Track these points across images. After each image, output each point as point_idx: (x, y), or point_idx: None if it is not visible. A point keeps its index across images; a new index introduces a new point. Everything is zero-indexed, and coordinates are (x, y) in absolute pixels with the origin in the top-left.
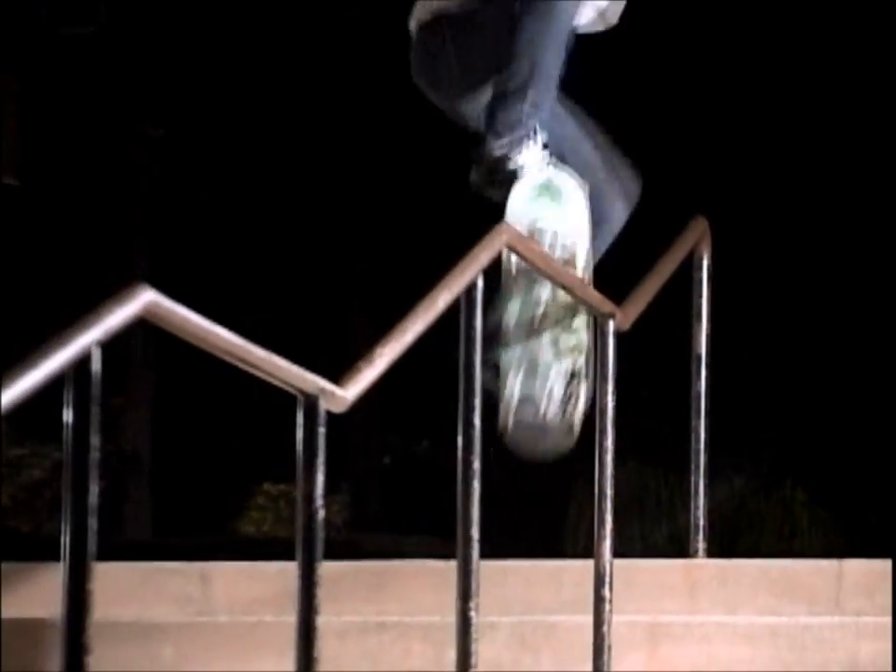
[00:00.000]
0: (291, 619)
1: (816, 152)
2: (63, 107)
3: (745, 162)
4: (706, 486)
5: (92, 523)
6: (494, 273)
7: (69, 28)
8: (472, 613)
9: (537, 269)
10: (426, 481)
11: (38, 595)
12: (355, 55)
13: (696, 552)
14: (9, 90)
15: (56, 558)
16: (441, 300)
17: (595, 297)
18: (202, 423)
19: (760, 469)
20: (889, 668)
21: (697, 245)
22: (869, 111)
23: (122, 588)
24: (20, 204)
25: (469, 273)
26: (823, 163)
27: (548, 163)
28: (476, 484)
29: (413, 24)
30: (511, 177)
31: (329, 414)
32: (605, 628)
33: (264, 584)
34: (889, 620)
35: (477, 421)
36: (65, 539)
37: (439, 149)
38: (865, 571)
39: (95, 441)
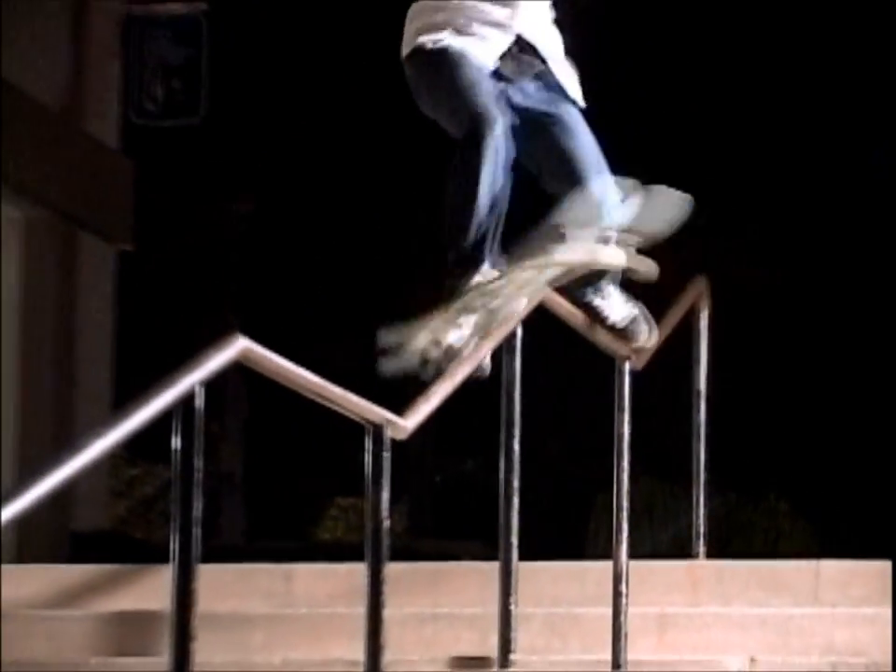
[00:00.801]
0: (360, 611)
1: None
2: (170, 185)
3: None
4: (705, 498)
5: (196, 531)
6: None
7: (175, 120)
8: (512, 607)
9: (568, 322)
10: (472, 495)
11: (151, 591)
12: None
13: (697, 554)
14: (129, 172)
15: (166, 561)
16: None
17: (613, 343)
18: (285, 446)
19: (749, 485)
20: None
21: (697, 301)
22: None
23: (220, 585)
24: (134, 267)
25: (511, 325)
26: (806, 203)
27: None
28: (515, 500)
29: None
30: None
31: (392, 440)
32: (622, 618)
33: (338, 582)
34: (860, 611)
35: (516, 447)
36: (174, 545)
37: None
38: (839, 569)
39: (198, 463)
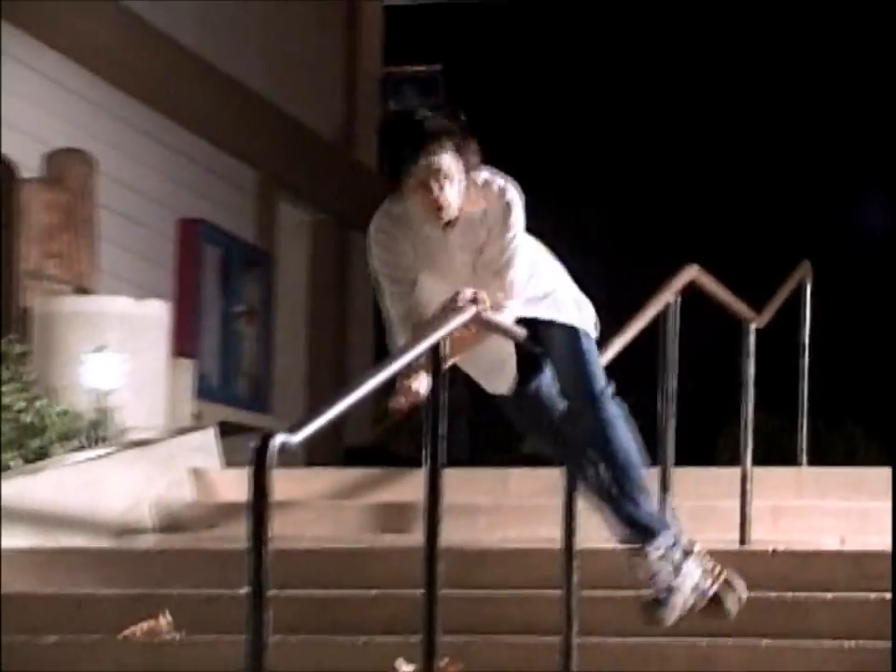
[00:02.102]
0: (558, 502)
1: None
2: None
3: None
4: (808, 423)
5: (442, 445)
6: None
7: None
8: (669, 500)
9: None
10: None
11: (405, 488)
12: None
13: (801, 462)
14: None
15: (414, 467)
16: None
17: (742, 306)
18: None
19: (833, 414)
20: None
21: (803, 279)
22: None
23: (455, 484)
24: None
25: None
26: None
27: None
28: (672, 424)
29: None
30: None
31: None
32: (747, 509)
33: (540, 481)
34: None
35: (673, 386)
36: (426, 453)
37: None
38: None
39: (444, 396)
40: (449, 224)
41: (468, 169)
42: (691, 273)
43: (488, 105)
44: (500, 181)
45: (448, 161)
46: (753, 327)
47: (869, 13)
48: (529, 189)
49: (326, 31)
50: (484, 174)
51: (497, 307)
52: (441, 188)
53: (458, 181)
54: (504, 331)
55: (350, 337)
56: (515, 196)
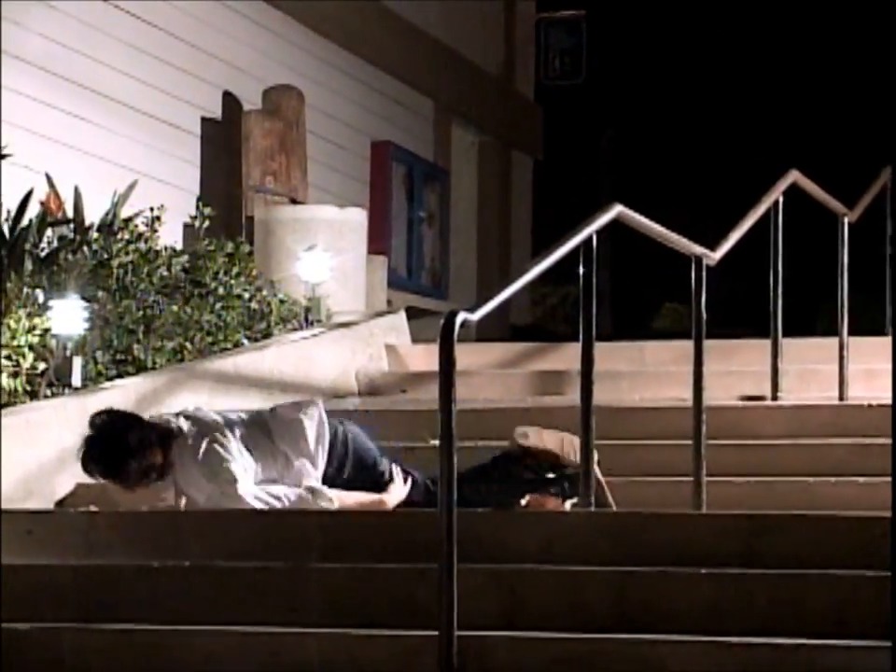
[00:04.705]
0: (688, 369)
1: None
2: (564, 120)
3: None
4: (892, 302)
5: (593, 323)
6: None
7: (566, 81)
8: (779, 365)
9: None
10: (747, 303)
11: (561, 359)
12: None
13: (888, 333)
14: (539, 113)
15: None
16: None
17: (837, 203)
18: (635, 272)
19: None
20: None
21: (887, 181)
22: None
23: (602, 354)
24: (542, 171)
25: None
26: None
27: None
28: (780, 303)
29: None
30: None
31: (708, 267)
32: (845, 371)
33: (671, 352)
34: None
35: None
36: (582, 328)
37: None
38: None
39: (595, 281)
40: None
41: None
42: (793, 175)
43: (624, 46)
44: None
45: None
46: (847, 220)
47: None
48: (663, 111)
49: None
50: None
51: None
52: None
53: None
54: None
55: (511, 238)
56: None
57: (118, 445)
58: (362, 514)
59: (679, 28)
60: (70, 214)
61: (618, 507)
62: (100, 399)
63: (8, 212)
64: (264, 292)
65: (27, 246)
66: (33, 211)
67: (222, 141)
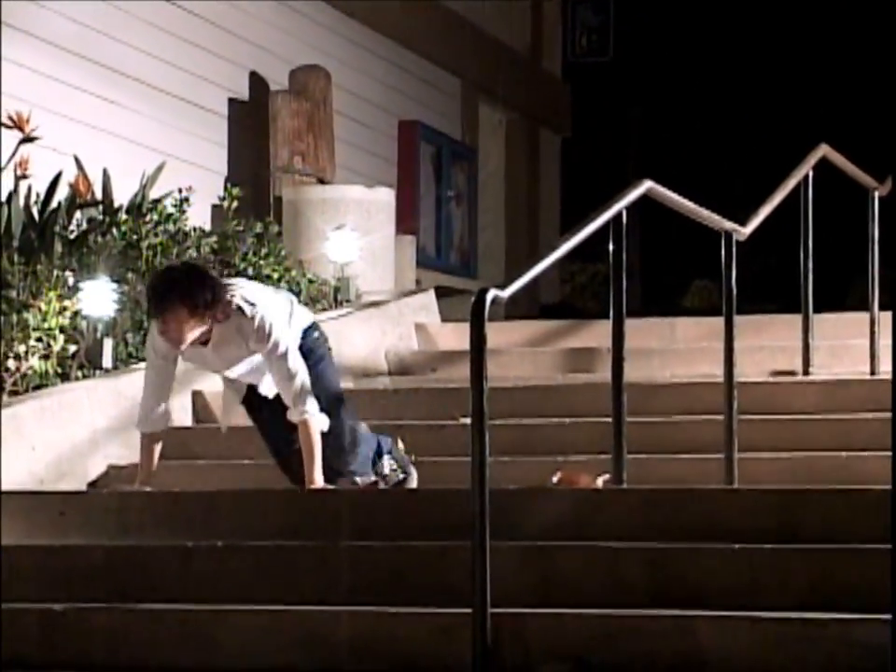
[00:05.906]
0: (718, 345)
1: None
2: (591, 97)
3: None
4: None
5: (622, 302)
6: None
7: (594, 59)
8: (810, 340)
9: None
10: (776, 282)
11: (590, 336)
12: None
13: None
14: (567, 91)
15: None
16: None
17: (867, 177)
18: (664, 250)
19: None
20: None
21: None
22: None
23: (633, 331)
24: (570, 147)
25: None
26: None
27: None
28: (810, 280)
29: None
30: None
31: (738, 242)
32: (876, 346)
33: (702, 328)
34: None
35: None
36: (613, 305)
37: None
38: None
39: (624, 258)
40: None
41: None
42: (823, 150)
43: (652, 23)
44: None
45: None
46: (877, 194)
47: None
48: (690, 87)
49: None
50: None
51: None
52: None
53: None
54: None
55: (540, 216)
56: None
57: (190, 279)
58: (392, 493)
59: (706, 4)
60: (99, 196)
61: (650, 483)
62: (131, 380)
63: (38, 195)
64: (293, 272)
65: (57, 229)
66: (62, 193)
67: (249, 122)
